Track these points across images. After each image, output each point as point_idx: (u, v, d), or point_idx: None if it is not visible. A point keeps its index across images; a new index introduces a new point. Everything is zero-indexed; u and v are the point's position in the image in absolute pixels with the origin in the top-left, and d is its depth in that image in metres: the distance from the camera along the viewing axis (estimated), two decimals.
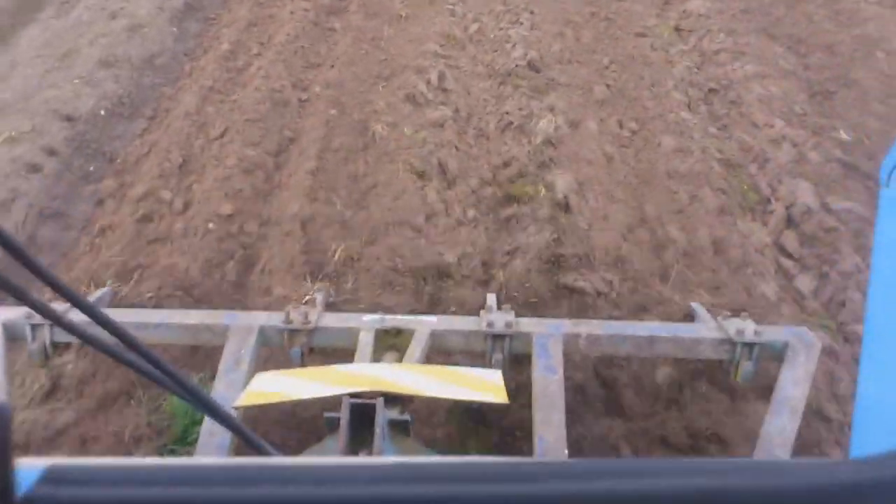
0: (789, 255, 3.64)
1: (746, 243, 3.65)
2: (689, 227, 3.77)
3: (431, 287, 3.38)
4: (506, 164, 4.16)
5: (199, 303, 3.29)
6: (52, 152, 4.31)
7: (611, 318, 3.18)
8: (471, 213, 3.86)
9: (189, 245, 3.62)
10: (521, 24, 5.49)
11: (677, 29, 5.60)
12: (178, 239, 3.69)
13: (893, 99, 4.66)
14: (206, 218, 3.72)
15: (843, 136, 4.32)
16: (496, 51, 5.24)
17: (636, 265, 3.53)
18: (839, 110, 4.60)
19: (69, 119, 4.55)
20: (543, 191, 3.92)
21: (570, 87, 4.82)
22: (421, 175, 4.01)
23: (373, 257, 3.49)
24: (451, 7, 5.86)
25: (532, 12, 5.67)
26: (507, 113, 4.54)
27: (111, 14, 5.84)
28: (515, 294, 3.31)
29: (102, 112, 4.72)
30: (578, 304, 3.30)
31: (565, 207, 3.82)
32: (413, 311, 3.07)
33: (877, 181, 4.28)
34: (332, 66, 5.12)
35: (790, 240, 3.70)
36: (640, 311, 3.27)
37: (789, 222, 3.79)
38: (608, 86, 4.91)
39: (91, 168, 4.38)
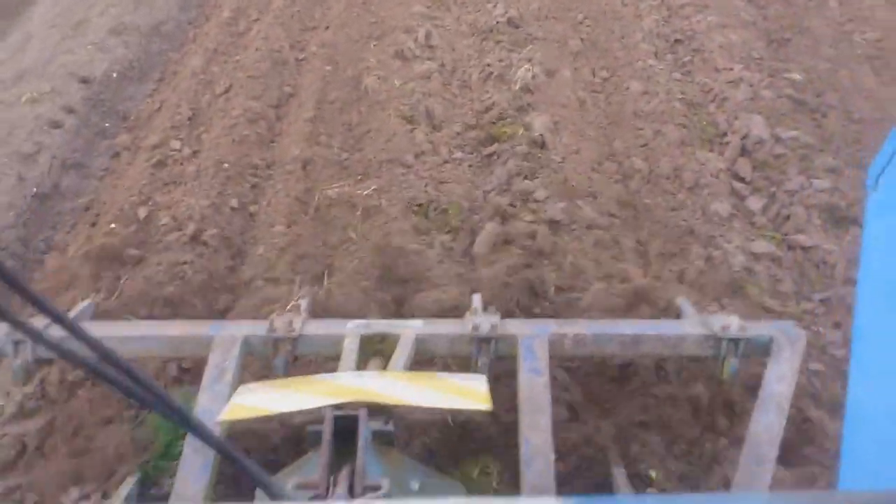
0: (742, 179, 4.05)
1: (703, 169, 4.06)
2: (652, 158, 4.17)
3: (424, 212, 3.78)
4: (487, 109, 4.55)
5: (219, 232, 3.65)
6: (70, 110, 4.71)
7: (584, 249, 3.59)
8: (456, 152, 4.27)
9: (200, 185, 4.02)
10: None
11: None
12: (191, 180, 4.09)
13: (843, 44, 5.07)
14: (216, 160, 4.12)
15: (795, 76, 4.72)
16: (478, 11, 5.63)
17: (604, 191, 3.95)
18: (793, 55, 5.00)
19: (85, 81, 4.95)
20: (522, 130, 4.32)
21: (546, 40, 5.21)
22: (410, 120, 4.41)
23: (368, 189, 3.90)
24: None
25: None
26: (488, 65, 4.93)
27: None
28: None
29: (115, 75, 5.13)
30: (552, 227, 3.71)
31: (541, 145, 4.22)
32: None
33: (823, 114, 4.69)
34: (327, 29, 5.52)
35: (743, 166, 4.11)
36: (609, 232, 3.68)
37: (743, 151, 4.20)
38: (582, 39, 5.31)
39: (106, 125, 4.79)
